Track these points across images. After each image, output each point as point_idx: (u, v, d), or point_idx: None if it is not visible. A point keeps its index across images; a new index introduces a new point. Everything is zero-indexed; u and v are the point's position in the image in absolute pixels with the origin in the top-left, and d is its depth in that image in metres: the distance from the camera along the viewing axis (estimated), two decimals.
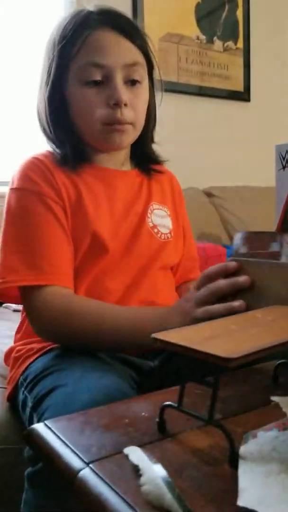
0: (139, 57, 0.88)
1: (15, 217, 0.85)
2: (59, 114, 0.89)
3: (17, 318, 1.01)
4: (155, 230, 0.94)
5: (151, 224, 0.94)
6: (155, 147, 1.01)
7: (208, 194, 2.21)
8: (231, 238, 2.11)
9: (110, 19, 0.85)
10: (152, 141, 1.00)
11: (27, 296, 0.82)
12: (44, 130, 0.92)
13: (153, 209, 0.97)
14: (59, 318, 0.79)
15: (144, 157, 0.99)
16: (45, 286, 0.80)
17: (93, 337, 0.79)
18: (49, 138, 0.92)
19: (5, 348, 0.98)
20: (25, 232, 0.83)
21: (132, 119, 0.87)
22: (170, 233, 0.97)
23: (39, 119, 0.92)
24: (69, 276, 0.84)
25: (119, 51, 0.85)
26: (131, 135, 0.90)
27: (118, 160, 0.95)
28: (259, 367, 0.63)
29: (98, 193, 0.90)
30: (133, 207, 0.94)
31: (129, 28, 0.86)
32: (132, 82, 0.87)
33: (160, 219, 0.97)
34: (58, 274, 0.82)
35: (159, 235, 0.95)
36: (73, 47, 0.84)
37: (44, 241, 0.82)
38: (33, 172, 0.86)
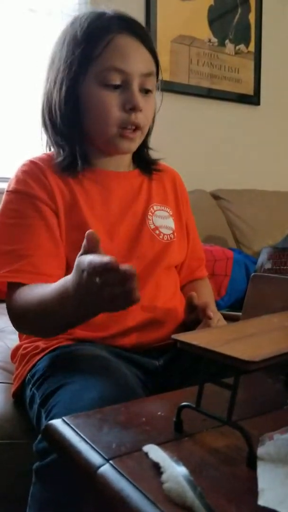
0: (153, 66, 0.91)
1: (6, 218, 0.87)
2: (73, 114, 0.89)
3: None
4: (157, 232, 0.95)
5: (152, 226, 0.95)
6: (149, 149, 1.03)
7: (215, 196, 2.21)
8: (237, 241, 2.11)
9: (130, 26, 0.88)
10: (146, 146, 1.02)
11: (7, 294, 0.84)
12: (46, 130, 0.93)
13: (154, 211, 0.98)
14: (17, 314, 0.82)
15: (139, 159, 1.01)
16: (22, 284, 0.82)
17: (43, 323, 0.79)
18: (55, 136, 0.92)
19: (12, 344, 0.99)
20: (14, 233, 0.85)
21: (143, 124, 0.90)
22: (173, 233, 0.98)
23: (47, 117, 0.92)
24: (50, 277, 0.83)
25: (140, 59, 0.87)
26: (138, 141, 0.93)
27: (120, 163, 0.97)
28: (271, 370, 0.64)
29: (93, 195, 0.91)
30: (131, 208, 0.95)
31: (146, 36, 0.89)
32: (145, 91, 0.89)
33: (162, 220, 0.98)
34: (37, 274, 0.82)
35: (161, 237, 0.95)
36: (95, 49, 0.85)
37: (31, 243, 0.84)
38: (27, 175, 0.88)
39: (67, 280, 0.68)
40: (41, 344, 0.87)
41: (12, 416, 0.91)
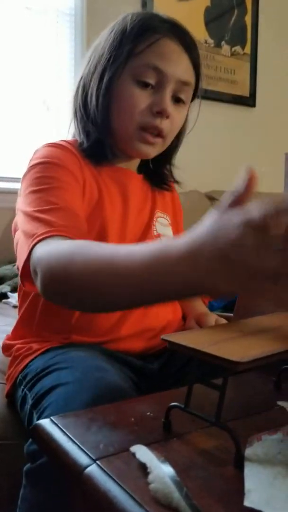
0: (192, 78, 0.88)
1: (38, 185, 0.78)
2: (106, 106, 0.87)
3: (17, 314, 1.01)
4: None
5: (155, 233, 0.95)
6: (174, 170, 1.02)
7: (210, 198, 2.22)
8: None
9: (179, 33, 0.86)
10: (170, 162, 1.01)
11: (35, 252, 0.69)
12: (75, 114, 0.91)
13: (158, 217, 0.97)
14: (65, 271, 0.63)
15: (156, 175, 0.99)
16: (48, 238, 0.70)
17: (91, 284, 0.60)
18: (85, 122, 0.89)
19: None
20: (48, 196, 0.76)
21: (167, 132, 0.88)
22: None
23: (80, 103, 0.90)
24: (78, 230, 0.73)
25: (180, 65, 0.85)
26: (157, 148, 0.90)
27: (134, 164, 0.96)
28: (262, 371, 0.64)
29: (114, 193, 0.90)
30: (141, 213, 0.94)
31: (193, 47, 0.87)
32: (177, 99, 0.87)
33: (163, 228, 0.98)
34: (67, 227, 0.71)
35: None
36: (139, 45, 0.84)
37: (65, 204, 0.76)
38: (60, 150, 0.85)
39: (169, 244, 0.51)
40: (34, 345, 0.87)
41: (4, 416, 0.90)
